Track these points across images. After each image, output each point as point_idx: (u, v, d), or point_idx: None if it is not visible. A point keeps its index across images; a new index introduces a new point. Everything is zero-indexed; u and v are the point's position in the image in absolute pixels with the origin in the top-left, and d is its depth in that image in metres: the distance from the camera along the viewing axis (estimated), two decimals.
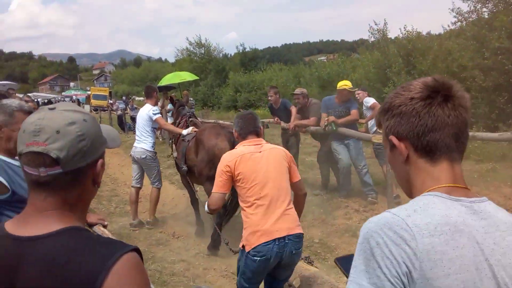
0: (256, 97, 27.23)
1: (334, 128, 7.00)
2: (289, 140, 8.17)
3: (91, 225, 2.81)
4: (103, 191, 8.83)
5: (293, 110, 7.92)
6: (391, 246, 0.96)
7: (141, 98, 31.05)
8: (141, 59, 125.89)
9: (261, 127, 3.45)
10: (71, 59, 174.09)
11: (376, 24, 19.39)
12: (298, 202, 3.40)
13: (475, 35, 14.09)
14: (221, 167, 3.19)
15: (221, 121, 10.40)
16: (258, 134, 3.36)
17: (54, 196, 1.08)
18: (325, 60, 36.19)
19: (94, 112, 27.63)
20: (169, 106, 7.05)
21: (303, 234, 3.19)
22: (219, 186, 3.18)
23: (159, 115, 6.40)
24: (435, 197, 1.05)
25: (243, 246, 3.09)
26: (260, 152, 3.23)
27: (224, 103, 29.67)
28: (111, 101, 27.27)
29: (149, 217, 6.52)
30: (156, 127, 6.50)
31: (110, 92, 43.47)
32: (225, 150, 4.86)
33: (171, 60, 61.38)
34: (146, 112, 6.38)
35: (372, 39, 20.20)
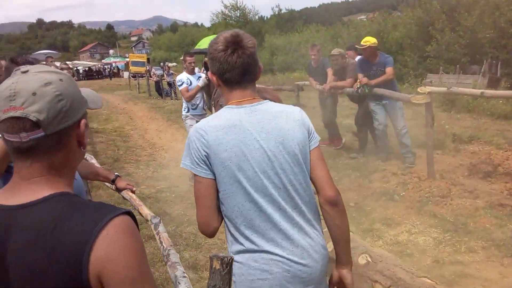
0: (293, 60, 26.75)
1: (367, 91, 6.75)
2: (326, 102, 8.00)
3: (120, 190, 2.84)
4: (141, 156, 9.00)
5: (329, 71, 7.71)
6: (196, 140, 1.71)
7: (175, 64, 31.13)
8: (177, 25, 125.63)
9: None
10: (109, 27, 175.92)
11: None
12: None
13: None
14: None
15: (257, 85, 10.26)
16: None
17: (39, 161, 1.04)
18: (365, 20, 34.99)
19: (133, 78, 27.93)
20: (196, 71, 6.96)
21: None
22: None
23: (182, 86, 6.67)
24: (226, 108, 1.77)
25: None
26: None
27: None
28: (148, 68, 27.48)
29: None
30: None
31: (148, 59, 43.83)
32: None
33: (207, 24, 60.95)
34: (176, 82, 6.95)
35: None
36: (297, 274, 1.73)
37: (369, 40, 6.79)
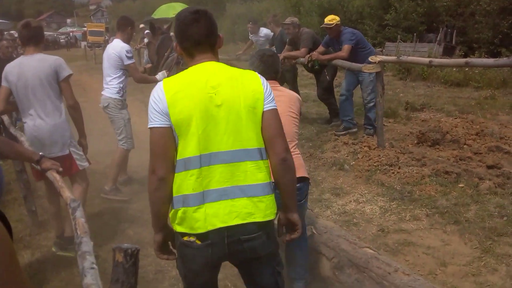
0: None
1: (316, 66, 6.68)
2: (285, 76, 7.82)
3: (45, 170, 2.69)
4: (93, 129, 8.68)
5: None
6: (7, 72, 3.67)
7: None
8: None
9: (280, 70, 3.15)
10: None
11: None
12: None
13: None
14: None
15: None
16: (276, 78, 3.05)
17: None
18: None
19: (89, 48, 26.97)
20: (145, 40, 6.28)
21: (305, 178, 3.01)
22: None
23: (133, 60, 5.13)
24: (22, 56, 3.69)
25: None
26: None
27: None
28: (107, 37, 26.51)
29: (107, 184, 5.17)
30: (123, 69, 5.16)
31: (106, 28, 42.47)
32: None
33: None
34: (117, 51, 5.03)
35: None
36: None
37: (335, 18, 6.60)
